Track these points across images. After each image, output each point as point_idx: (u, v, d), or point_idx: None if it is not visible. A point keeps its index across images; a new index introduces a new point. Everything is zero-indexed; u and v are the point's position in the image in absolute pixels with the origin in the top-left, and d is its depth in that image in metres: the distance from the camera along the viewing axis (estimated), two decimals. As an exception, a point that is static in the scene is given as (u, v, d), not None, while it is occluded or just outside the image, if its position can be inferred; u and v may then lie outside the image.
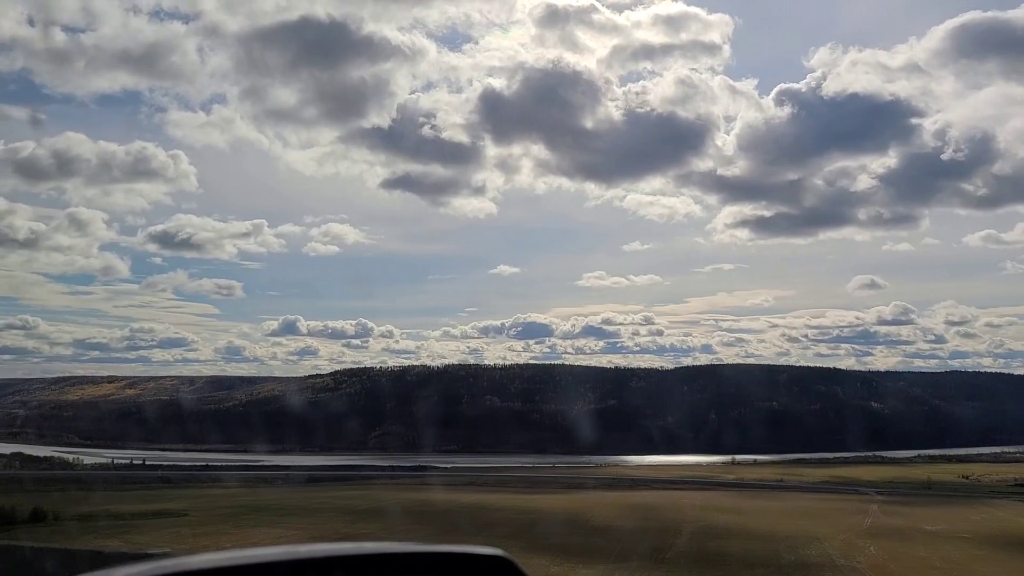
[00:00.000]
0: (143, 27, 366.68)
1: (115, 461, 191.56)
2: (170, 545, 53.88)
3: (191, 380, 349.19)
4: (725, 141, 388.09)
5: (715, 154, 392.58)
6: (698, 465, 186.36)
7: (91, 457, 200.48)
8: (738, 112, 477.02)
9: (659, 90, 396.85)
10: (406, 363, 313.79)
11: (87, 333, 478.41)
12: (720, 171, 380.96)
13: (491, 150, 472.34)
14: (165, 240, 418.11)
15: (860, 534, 67.59)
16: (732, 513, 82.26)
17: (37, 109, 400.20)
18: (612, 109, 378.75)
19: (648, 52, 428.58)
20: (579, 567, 51.38)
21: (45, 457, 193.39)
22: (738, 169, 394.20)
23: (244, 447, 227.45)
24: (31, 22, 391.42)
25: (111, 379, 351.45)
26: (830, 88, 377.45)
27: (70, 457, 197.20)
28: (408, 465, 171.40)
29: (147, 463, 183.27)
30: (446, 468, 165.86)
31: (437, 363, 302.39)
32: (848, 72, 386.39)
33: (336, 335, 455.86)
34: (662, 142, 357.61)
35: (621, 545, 60.20)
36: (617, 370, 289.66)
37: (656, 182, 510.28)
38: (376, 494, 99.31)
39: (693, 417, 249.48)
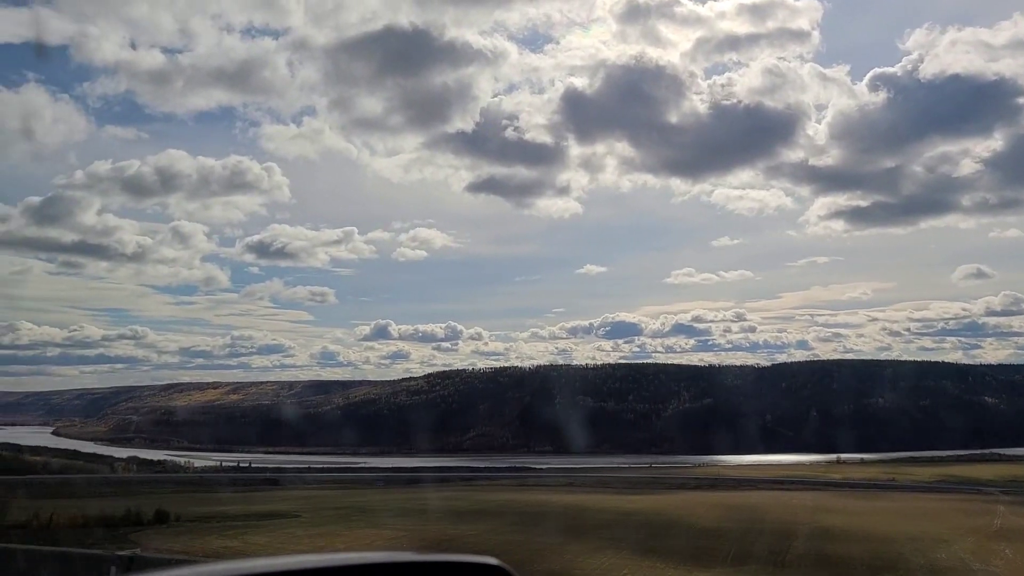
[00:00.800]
0: (235, 45, 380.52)
1: (223, 464, 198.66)
2: (286, 545, 55.04)
3: (290, 385, 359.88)
4: (817, 130, 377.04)
5: (806, 144, 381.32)
6: (800, 464, 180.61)
7: (200, 460, 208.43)
8: (830, 100, 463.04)
9: (746, 81, 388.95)
10: (496, 365, 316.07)
11: (192, 341, 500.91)
12: (812, 161, 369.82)
13: (575, 149, 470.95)
14: (261, 250, 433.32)
15: (990, 536, 63.80)
16: (846, 514, 78.94)
17: (141, 128, 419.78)
18: (697, 103, 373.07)
19: (733, 43, 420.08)
20: (695, 571, 49.97)
21: (158, 461, 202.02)
22: (831, 158, 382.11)
23: (343, 449, 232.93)
24: (133, 45, 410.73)
25: (215, 385, 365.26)
26: (928, 70, 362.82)
27: (181, 460, 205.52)
28: (504, 466, 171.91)
29: (252, 466, 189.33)
30: (541, 469, 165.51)
31: (527, 364, 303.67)
32: (947, 53, 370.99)
33: (426, 338, 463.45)
34: (750, 134, 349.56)
35: (735, 548, 58.41)
36: (711, 368, 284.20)
37: (745, 175, 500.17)
38: (477, 495, 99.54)
39: (793, 415, 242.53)
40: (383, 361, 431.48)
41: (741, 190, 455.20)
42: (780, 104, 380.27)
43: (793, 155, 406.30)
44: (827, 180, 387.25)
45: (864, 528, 68.32)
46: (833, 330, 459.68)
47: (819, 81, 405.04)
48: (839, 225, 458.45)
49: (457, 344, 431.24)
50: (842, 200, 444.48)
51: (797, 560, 52.84)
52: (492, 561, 2.31)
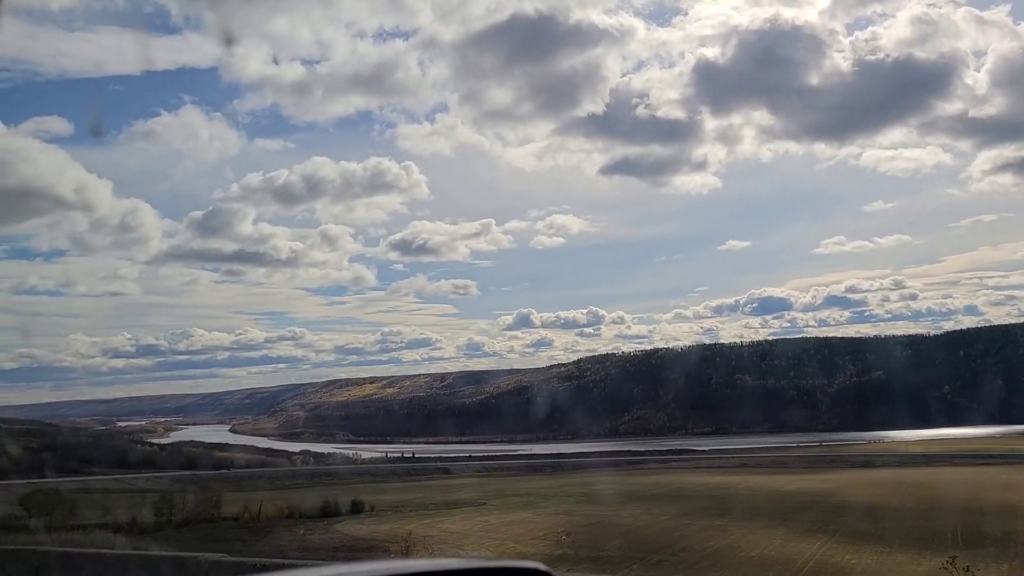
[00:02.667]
0: (368, 50, 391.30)
1: (388, 455, 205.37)
2: (484, 531, 54.91)
3: (442, 377, 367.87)
4: (976, 79, 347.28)
5: (965, 95, 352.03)
6: (990, 437, 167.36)
7: (366, 452, 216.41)
8: (989, 45, 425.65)
9: (892, 33, 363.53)
10: (640, 348, 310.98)
11: (345, 340, 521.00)
12: (972, 113, 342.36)
13: (710, 123, 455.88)
14: (404, 247, 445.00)
15: None
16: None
17: (287, 139, 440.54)
18: (839, 61, 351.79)
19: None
20: (924, 555, 45.86)
21: (328, 453, 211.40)
22: (994, 108, 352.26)
23: (499, 437, 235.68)
24: (275, 60, 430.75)
25: (372, 380, 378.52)
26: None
27: (349, 452, 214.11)
28: (666, 449, 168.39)
29: (416, 456, 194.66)
30: (705, 451, 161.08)
31: (677, 344, 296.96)
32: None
33: (569, 325, 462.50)
34: (900, 89, 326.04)
35: (959, 529, 53.68)
36: (878, 339, 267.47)
37: (896, 134, 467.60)
38: (652, 479, 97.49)
39: (972, 386, 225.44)
40: (527, 350, 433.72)
41: (893, 150, 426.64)
42: (932, 54, 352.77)
43: (950, 108, 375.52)
44: (991, 131, 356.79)
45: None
46: (1006, 292, 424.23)
47: (976, 25, 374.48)
48: (1007, 179, 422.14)
49: (599, 329, 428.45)
50: (1009, 152, 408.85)
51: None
52: (539, 567, 2.23)
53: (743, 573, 40.95)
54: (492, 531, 53.78)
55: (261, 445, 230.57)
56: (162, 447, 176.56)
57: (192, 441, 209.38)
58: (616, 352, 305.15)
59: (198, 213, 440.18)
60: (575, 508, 67.71)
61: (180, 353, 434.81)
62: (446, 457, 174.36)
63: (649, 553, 46.58)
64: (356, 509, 63.84)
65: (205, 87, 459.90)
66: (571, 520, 58.95)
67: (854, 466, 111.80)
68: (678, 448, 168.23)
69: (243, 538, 49.11)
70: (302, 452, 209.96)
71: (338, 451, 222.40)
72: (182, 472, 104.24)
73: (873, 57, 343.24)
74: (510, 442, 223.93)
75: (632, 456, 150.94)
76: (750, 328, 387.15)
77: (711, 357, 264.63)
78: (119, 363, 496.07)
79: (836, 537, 51.86)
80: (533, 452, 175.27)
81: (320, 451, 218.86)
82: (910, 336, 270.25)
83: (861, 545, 48.80)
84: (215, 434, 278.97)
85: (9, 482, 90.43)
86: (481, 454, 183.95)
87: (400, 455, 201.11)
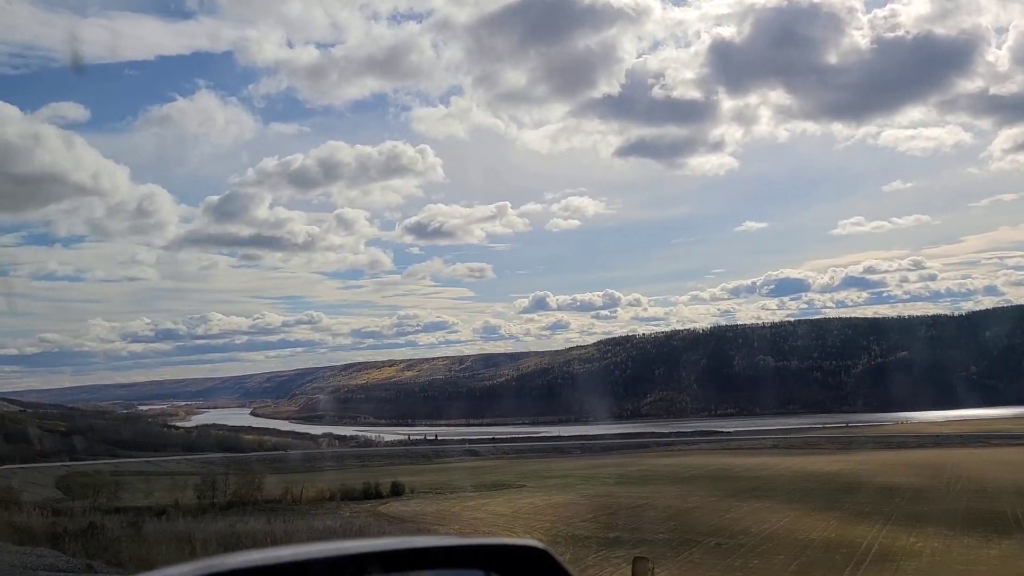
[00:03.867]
0: (383, 32, 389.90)
1: (410, 437, 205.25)
2: (529, 512, 53.92)
3: (460, 360, 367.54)
4: (997, 56, 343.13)
5: (986, 72, 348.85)
6: (1020, 418, 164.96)
7: (388, 434, 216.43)
8: (1011, 21, 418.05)
9: (911, 10, 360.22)
10: (659, 330, 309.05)
11: (362, 323, 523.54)
12: (994, 90, 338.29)
13: (726, 103, 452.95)
14: (419, 231, 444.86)
15: None
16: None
17: (302, 123, 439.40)
18: (858, 39, 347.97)
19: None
20: (993, 540, 44.41)
21: (351, 436, 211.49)
22: (1016, 85, 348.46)
23: (521, 419, 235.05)
24: (290, 44, 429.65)
25: (390, 363, 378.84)
26: None
27: (371, 435, 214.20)
28: (691, 430, 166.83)
29: (439, 438, 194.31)
30: (731, 432, 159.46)
31: (695, 326, 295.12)
32: None
33: (585, 307, 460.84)
34: (919, 67, 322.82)
35: (1020, 511, 52.22)
36: (901, 320, 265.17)
37: (915, 113, 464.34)
38: (685, 460, 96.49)
39: (999, 366, 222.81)
40: (543, 332, 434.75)
41: (912, 129, 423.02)
42: (953, 31, 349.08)
43: (971, 86, 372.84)
44: (1012, 109, 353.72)
45: None
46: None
47: (997, 1, 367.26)
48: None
49: (616, 311, 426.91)
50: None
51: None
52: (537, 544, 2.30)
53: (809, 556, 39.72)
54: (539, 513, 52.81)
55: (284, 428, 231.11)
56: (188, 430, 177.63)
57: (216, 424, 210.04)
58: (635, 334, 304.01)
59: (214, 198, 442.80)
60: (615, 489, 66.67)
61: (199, 337, 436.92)
62: (471, 439, 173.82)
63: (705, 536, 45.45)
64: (397, 491, 63.12)
65: (220, 72, 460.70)
66: (615, 502, 57.91)
67: (889, 447, 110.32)
68: (704, 429, 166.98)
69: (289, 520, 48.35)
70: (324, 434, 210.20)
71: (360, 433, 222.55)
72: (213, 455, 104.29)
73: (892, 34, 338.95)
74: (532, 424, 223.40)
75: (659, 438, 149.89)
76: (767, 310, 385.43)
77: (732, 338, 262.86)
78: (138, 348, 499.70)
79: (893, 520, 50.51)
80: (559, 434, 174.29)
81: (342, 433, 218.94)
82: (933, 316, 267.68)
83: (921, 528, 47.41)
84: (236, 417, 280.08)
85: (40, 465, 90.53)
86: (505, 436, 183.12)
87: (423, 437, 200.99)
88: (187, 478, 71.64)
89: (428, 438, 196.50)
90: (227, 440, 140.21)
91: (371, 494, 61.59)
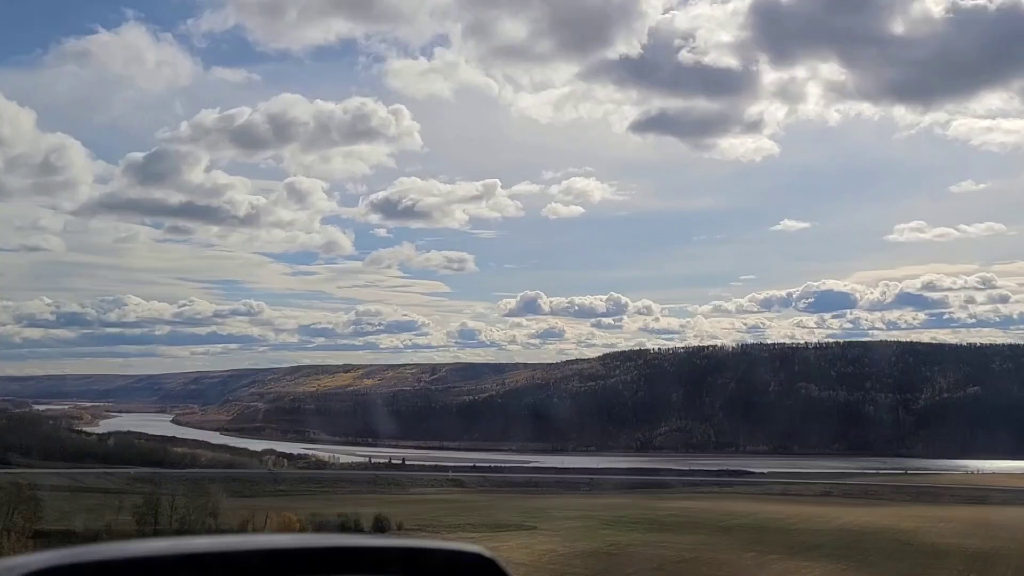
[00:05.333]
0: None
1: (372, 460, 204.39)
2: (552, 563, 53.01)
3: (432, 368, 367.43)
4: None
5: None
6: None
7: (345, 455, 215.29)
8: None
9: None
10: (677, 345, 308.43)
11: (312, 318, 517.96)
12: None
13: (768, 75, 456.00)
14: (388, 209, 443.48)
15: None
16: None
17: (251, 70, 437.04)
18: (930, 6, 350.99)
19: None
20: None
21: (299, 455, 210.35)
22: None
23: (509, 445, 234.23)
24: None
25: (347, 368, 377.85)
26: None
27: (324, 455, 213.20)
28: (717, 469, 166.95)
29: (407, 463, 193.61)
30: (766, 473, 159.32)
31: (724, 342, 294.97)
32: None
33: (584, 313, 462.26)
34: (1003, 45, 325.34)
35: None
36: (976, 348, 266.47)
37: (994, 100, 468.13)
38: (724, 506, 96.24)
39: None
40: (532, 340, 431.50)
41: (990, 119, 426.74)
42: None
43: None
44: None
45: None
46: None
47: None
48: None
49: (621, 320, 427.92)
50: None
51: None
52: (483, 552, 2.37)
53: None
54: (569, 565, 51.83)
55: (214, 441, 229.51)
56: (101, 437, 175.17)
57: (136, 432, 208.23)
58: (648, 349, 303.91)
59: (138, 155, 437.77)
60: (650, 538, 65.90)
61: (111, 325, 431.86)
62: (450, 466, 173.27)
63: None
64: (381, 527, 62.05)
65: (153, 1, 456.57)
66: (657, 554, 57.21)
67: (965, 501, 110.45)
68: (734, 468, 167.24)
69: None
70: (267, 452, 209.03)
71: (310, 452, 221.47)
72: (139, 469, 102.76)
73: (973, 2, 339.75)
74: (522, 451, 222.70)
75: (680, 475, 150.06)
76: (803, 327, 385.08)
77: (768, 359, 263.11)
78: (36, 333, 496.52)
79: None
80: (555, 466, 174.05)
81: (288, 451, 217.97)
82: (1011, 346, 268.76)
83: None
84: (156, 424, 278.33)
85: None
86: (490, 464, 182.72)
87: (388, 460, 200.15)
88: (117, 497, 70.36)
89: (394, 462, 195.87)
90: (153, 453, 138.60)
91: (349, 528, 60.59)
